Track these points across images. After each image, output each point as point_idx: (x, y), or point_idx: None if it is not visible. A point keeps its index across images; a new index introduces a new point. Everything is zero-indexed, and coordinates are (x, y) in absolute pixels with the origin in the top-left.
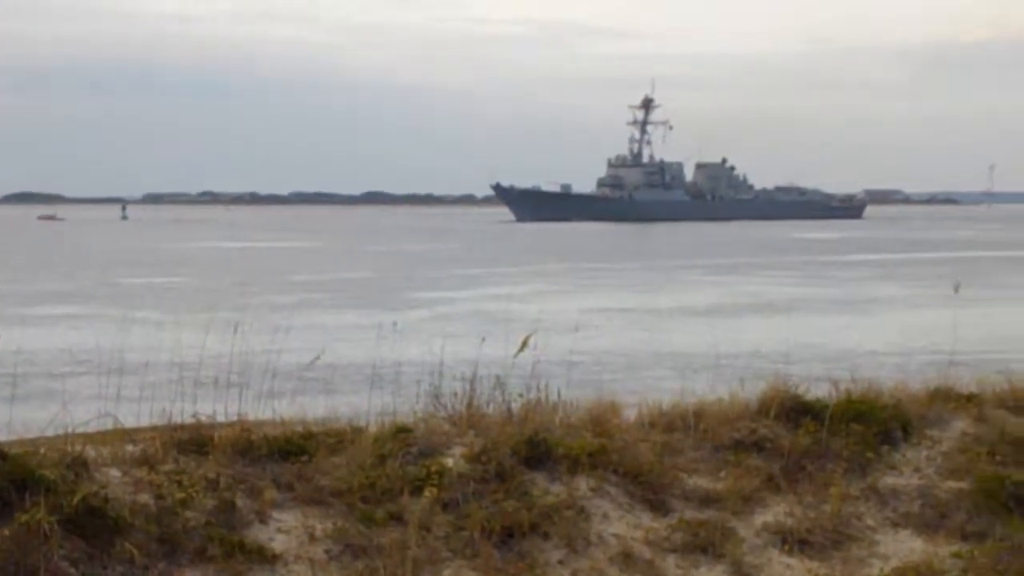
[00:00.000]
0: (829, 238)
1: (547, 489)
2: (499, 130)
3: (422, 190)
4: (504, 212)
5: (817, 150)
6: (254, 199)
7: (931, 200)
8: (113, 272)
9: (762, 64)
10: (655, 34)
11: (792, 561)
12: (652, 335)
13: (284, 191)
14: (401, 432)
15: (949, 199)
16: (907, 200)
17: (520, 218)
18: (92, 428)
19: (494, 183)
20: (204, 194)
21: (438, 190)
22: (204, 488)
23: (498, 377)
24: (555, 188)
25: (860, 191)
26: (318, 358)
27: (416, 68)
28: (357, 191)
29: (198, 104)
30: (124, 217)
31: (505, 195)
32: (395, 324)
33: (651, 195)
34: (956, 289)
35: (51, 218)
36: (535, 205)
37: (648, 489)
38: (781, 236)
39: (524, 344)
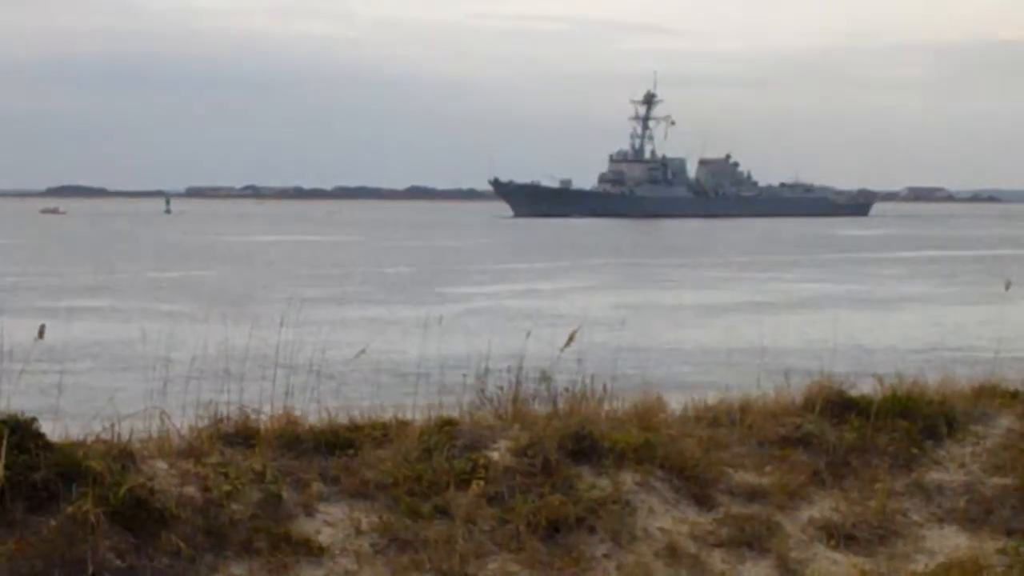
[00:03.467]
0: (852, 235)
1: (593, 483)
2: (534, 126)
3: (465, 185)
4: (503, 207)
5: (857, 148)
6: (298, 193)
7: (974, 198)
8: (150, 265)
9: (797, 61)
10: (692, 31)
11: (838, 556)
12: (693, 330)
13: (328, 186)
14: (447, 425)
15: (992, 196)
16: (950, 198)
17: (518, 213)
18: (138, 420)
19: (492, 178)
20: (247, 188)
21: (481, 185)
22: (250, 480)
23: (543, 371)
24: (554, 183)
25: (903, 189)
26: (363, 351)
27: (452, 64)
28: (400, 186)
29: (240, 99)
30: (168, 211)
31: (503, 190)
32: (440, 319)
33: (652, 191)
34: (1007, 286)
35: (54, 211)
36: (534, 200)
37: (694, 483)
38: (800, 232)
39: (571, 338)
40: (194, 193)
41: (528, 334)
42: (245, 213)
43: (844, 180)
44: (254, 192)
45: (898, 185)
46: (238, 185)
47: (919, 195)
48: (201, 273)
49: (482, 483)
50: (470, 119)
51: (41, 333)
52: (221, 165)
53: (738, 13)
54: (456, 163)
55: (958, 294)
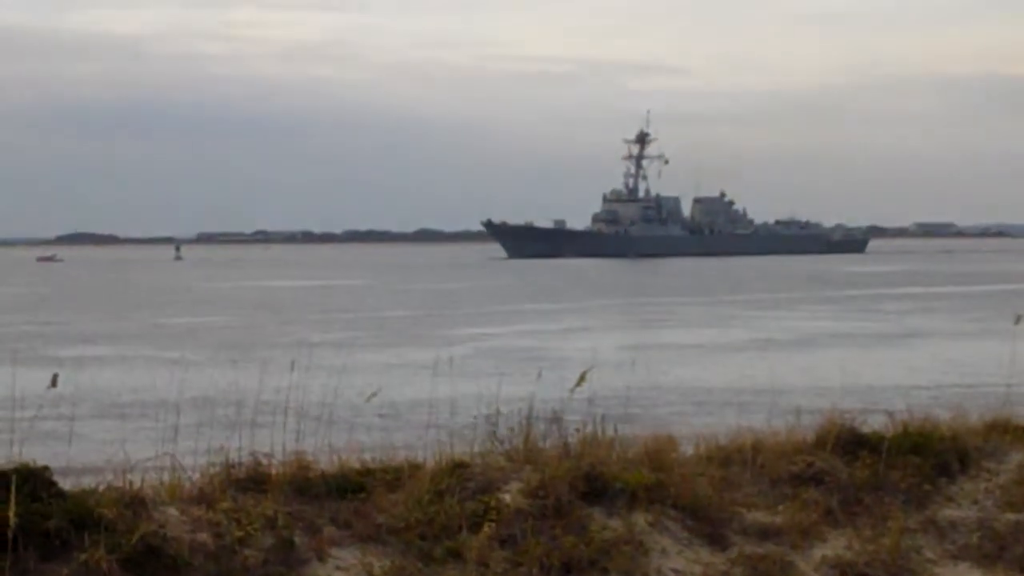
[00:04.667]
0: (852, 271)
1: (605, 524)
2: (540, 166)
3: (474, 227)
4: (498, 249)
5: (864, 184)
6: (307, 238)
7: (983, 233)
8: (159, 312)
9: (801, 99)
10: (705, 71)
11: None
12: (702, 370)
13: (338, 229)
14: (458, 468)
15: (1001, 232)
16: (959, 233)
17: (512, 254)
18: (150, 467)
19: (485, 220)
20: (257, 233)
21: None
22: (262, 526)
23: (555, 412)
24: (548, 224)
25: (911, 224)
26: (374, 395)
27: (461, 107)
28: (410, 228)
29: (249, 144)
30: (178, 257)
31: (496, 231)
32: (450, 360)
33: (647, 230)
34: (1017, 321)
35: (50, 259)
36: (528, 241)
37: (706, 523)
38: (798, 269)
39: (582, 379)
40: (205, 239)
41: (539, 375)
42: (255, 258)
43: (851, 216)
44: (264, 237)
45: (907, 221)
46: (248, 230)
47: (928, 231)
48: (210, 319)
49: (494, 525)
50: (480, 161)
51: (54, 382)
52: (231, 211)
53: (743, 53)
54: (466, 205)
55: (966, 329)
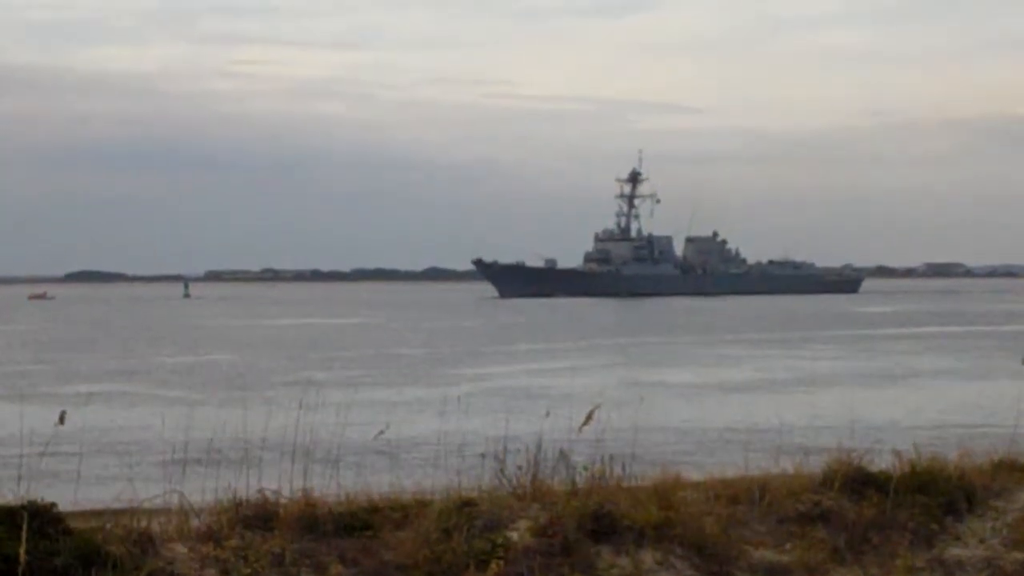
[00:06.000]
0: (852, 312)
1: (612, 562)
2: (547, 205)
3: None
4: (487, 288)
5: (873, 224)
6: (316, 276)
7: (992, 273)
8: (166, 350)
9: (816, 139)
10: (717, 110)
11: None
12: (707, 409)
13: (346, 267)
14: (466, 506)
15: (1010, 272)
16: (968, 273)
17: (503, 294)
18: (158, 504)
19: (476, 259)
20: (266, 271)
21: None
22: (270, 563)
23: (562, 450)
24: (539, 263)
25: (921, 264)
26: (382, 432)
27: (471, 146)
28: (418, 267)
29: (258, 181)
30: (187, 295)
31: (487, 271)
32: (459, 399)
33: (639, 269)
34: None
35: (42, 297)
36: (519, 280)
37: (713, 562)
38: (795, 309)
39: (589, 417)
40: (213, 277)
41: (547, 413)
42: (262, 296)
43: (860, 257)
44: (273, 275)
45: (916, 261)
46: (256, 268)
47: (937, 271)
48: (217, 357)
49: (502, 563)
50: (488, 200)
51: (61, 419)
52: (239, 248)
53: (753, 93)
54: (476, 244)
55: (972, 369)
